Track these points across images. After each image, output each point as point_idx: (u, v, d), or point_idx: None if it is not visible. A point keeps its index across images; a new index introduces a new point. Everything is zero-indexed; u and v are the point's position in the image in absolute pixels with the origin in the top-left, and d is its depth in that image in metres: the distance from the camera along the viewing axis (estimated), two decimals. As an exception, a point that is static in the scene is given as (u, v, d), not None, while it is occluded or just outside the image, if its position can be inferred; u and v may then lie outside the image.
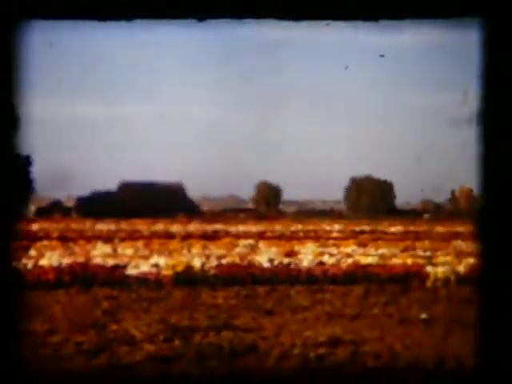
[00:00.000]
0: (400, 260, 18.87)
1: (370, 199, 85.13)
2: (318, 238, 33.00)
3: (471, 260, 19.01)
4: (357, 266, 17.63)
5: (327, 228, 46.19)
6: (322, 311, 12.38)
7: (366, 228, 46.63)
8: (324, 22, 3.07)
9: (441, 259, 19.30)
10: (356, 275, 16.81)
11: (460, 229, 46.41)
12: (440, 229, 46.77)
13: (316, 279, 16.43)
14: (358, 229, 45.10)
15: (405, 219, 68.36)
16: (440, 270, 16.82)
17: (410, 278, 16.67)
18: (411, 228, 47.83)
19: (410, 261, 18.60)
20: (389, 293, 14.88)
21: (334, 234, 37.63)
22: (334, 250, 22.44)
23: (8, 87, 2.98)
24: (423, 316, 11.85)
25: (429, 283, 16.36)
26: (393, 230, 45.37)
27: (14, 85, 2.99)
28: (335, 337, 9.81)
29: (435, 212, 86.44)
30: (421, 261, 18.78)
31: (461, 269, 17.12)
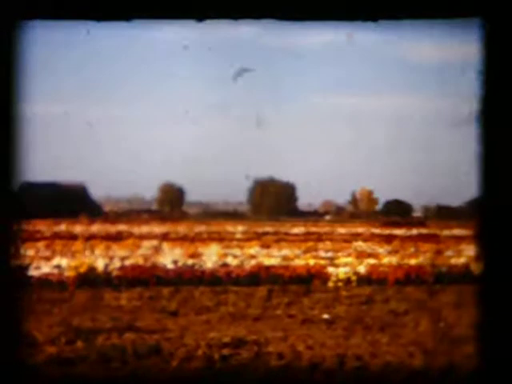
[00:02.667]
0: (302, 261, 19.10)
1: (273, 201, 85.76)
2: (221, 239, 33.08)
3: (371, 261, 19.39)
4: (260, 267, 17.76)
5: (231, 229, 46.31)
6: (225, 312, 12.44)
7: (269, 229, 46.95)
8: (324, 22, 3.08)
9: (342, 260, 19.62)
10: (259, 276, 16.95)
11: (360, 230, 47.21)
12: (341, 230, 47.44)
13: (220, 280, 16.50)
14: (261, 230, 45.35)
15: (307, 220, 69.14)
16: (341, 271, 17.10)
17: (312, 279, 16.90)
18: (313, 229, 48.37)
19: (312, 262, 18.84)
20: (292, 293, 15.05)
21: (238, 236, 37.77)
22: (237, 252, 22.54)
23: (8, 87, 2.94)
24: (325, 316, 12.03)
25: (331, 284, 16.62)
26: (295, 231, 45.81)
27: (13, 84, 2.95)
28: (239, 337, 9.89)
29: (336, 213, 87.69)
30: (323, 262, 19.05)
31: (361, 269, 17.44)
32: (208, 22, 3.02)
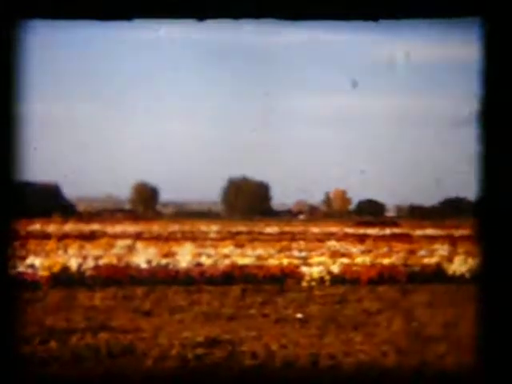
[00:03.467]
0: (276, 260, 19.13)
1: (247, 200, 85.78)
2: (195, 239, 33.06)
3: (345, 260, 19.48)
4: (234, 266, 17.79)
5: (204, 229, 46.27)
6: (199, 312, 12.45)
7: (243, 229, 46.96)
8: (324, 22, 3.07)
9: (316, 259, 19.68)
10: (233, 276, 16.97)
11: (334, 229, 47.35)
12: (315, 229, 47.54)
13: (194, 280, 16.50)
14: (234, 230, 45.36)
15: (281, 220, 69.21)
16: (315, 270, 17.16)
17: (285, 278, 16.95)
18: (287, 229, 48.44)
19: (285, 261, 18.89)
20: (265, 293, 15.09)
21: (212, 235, 37.77)
22: (211, 251, 22.54)
23: (8, 86, 2.93)
24: (299, 315, 12.08)
25: (304, 283, 16.67)
26: (269, 230, 45.86)
27: (13, 84, 2.95)
28: (213, 337, 9.91)
29: (310, 213, 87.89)
30: (296, 261, 19.10)
31: (335, 269, 17.51)
32: (208, 21, 3.03)
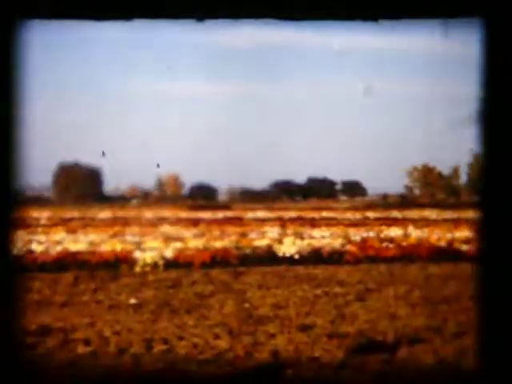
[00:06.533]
0: (109, 246, 19.05)
1: (79, 185, 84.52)
2: (26, 225, 32.36)
3: (178, 244, 19.62)
4: (66, 253, 17.59)
5: (36, 215, 45.30)
6: (31, 300, 12.27)
7: (75, 215, 46.34)
8: (324, 22, 3.06)
9: (149, 244, 19.72)
10: (65, 262, 16.78)
11: (167, 214, 47.45)
12: (148, 214, 47.47)
13: (25, 267, 16.20)
14: (67, 216, 44.69)
15: (114, 205, 68.66)
16: (148, 255, 17.22)
17: (119, 264, 16.92)
18: (120, 214, 48.13)
19: (119, 247, 18.84)
20: (98, 279, 15.02)
21: (43, 222, 37.05)
22: (42, 238, 22.15)
23: (7, 86, 2.86)
24: (132, 301, 12.12)
25: (138, 268, 16.70)
26: (102, 216, 45.45)
27: (13, 84, 2.87)
28: (45, 325, 9.80)
29: (143, 198, 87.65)
30: (130, 246, 19.08)
31: (168, 253, 17.63)
32: (208, 21, 3.03)
